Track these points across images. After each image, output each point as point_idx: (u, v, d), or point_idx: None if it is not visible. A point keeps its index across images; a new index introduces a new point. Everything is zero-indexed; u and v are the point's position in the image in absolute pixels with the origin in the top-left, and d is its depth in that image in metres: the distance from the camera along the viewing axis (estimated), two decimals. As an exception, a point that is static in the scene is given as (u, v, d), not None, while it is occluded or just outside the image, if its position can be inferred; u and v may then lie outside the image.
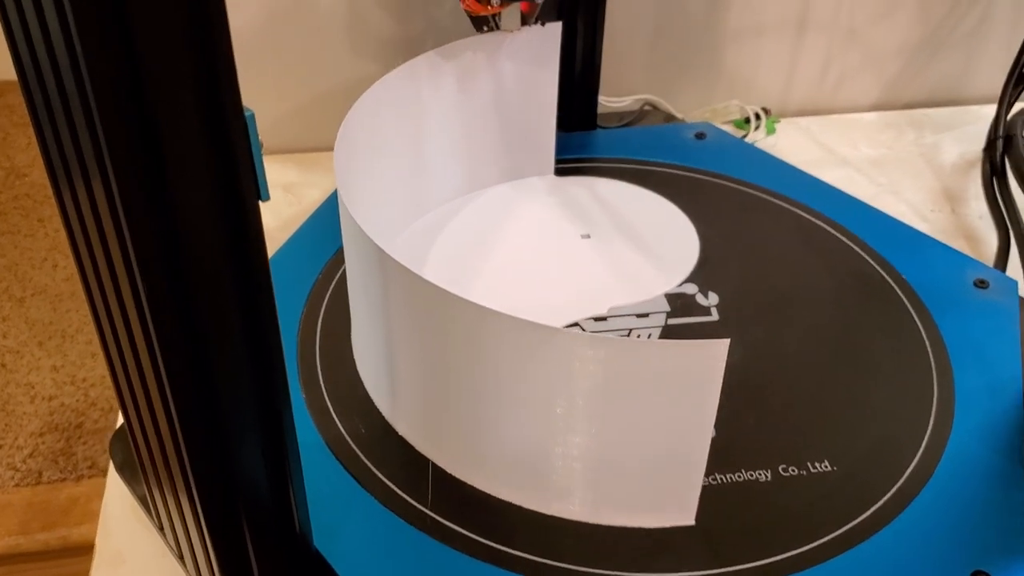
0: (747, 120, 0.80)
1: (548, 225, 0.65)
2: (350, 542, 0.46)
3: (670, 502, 0.46)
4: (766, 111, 0.82)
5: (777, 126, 0.82)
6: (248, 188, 0.32)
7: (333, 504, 0.47)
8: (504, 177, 0.68)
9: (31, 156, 1.55)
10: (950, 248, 0.65)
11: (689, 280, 0.61)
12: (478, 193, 0.67)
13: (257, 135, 0.31)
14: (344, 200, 0.48)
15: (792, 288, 0.61)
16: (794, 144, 0.81)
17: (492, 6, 0.57)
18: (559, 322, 0.58)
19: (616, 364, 0.41)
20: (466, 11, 0.59)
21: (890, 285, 0.61)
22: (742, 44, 0.81)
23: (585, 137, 0.74)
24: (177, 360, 0.33)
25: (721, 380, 0.41)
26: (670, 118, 0.80)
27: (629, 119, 0.79)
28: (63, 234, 0.35)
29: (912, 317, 0.59)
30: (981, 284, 0.61)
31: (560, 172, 0.70)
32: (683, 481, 0.45)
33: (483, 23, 0.59)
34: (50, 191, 0.33)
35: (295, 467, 0.40)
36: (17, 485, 1.09)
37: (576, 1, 0.69)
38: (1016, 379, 0.55)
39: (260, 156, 0.31)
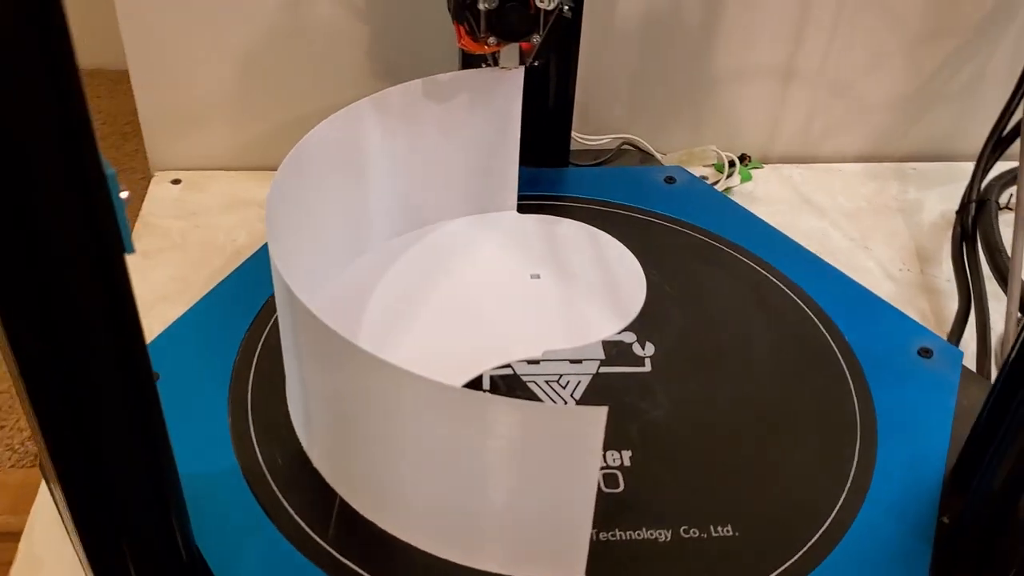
0: (732, 164, 0.80)
1: (500, 263, 0.66)
2: (246, 571, 0.47)
3: (558, 558, 0.47)
4: (745, 157, 0.81)
5: (758, 172, 0.82)
6: (115, 241, 0.33)
7: (237, 531, 0.49)
8: (466, 211, 0.69)
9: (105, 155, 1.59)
10: (901, 313, 0.64)
11: (630, 328, 0.62)
12: (437, 226, 0.68)
13: (119, 191, 0.32)
14: (270, 234, 0.49)
15: (732, 344, 0.61)
16: (771, 191, 0.81)
17: (489, 45, 0.58)
18: (492, 363, 0.58)
19: (500, 424, 0.42)
20: (461, 48, 0.60)
21: (832, 348, 0.61)
22: (727, 89, 0.81)
23: (555, 174, 0.75)
24: (49, 397, 0.35)
25: (600, 446, 0.41)
26: (647, 159, 0.80)
27: (605, 157, 0.79)
28: None
29: (848, 382, 0.59)
30: (925, 353, 0.61)
31: (523, 208, 0.71)
32: (570, 539, 0.45)
33: (481, 62, 0.60)
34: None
35: (176, 498, 0.41)
36: (13, 466, 1.12)
37: (550, 40, 0.70)
38: (941, 454, 0.54)
39: (123, 211, 0.33)
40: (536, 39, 0.60)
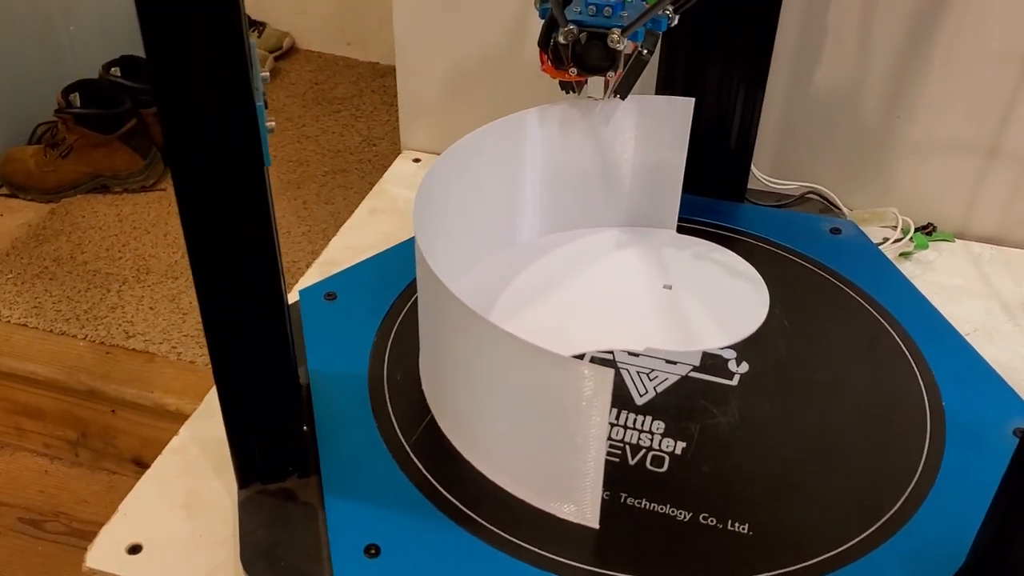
0: (905, 230, 0.82)
1: (639, 270, 0.74)
2: (341, 451, 0.59)
3: (577, 501, 0.54)
4: (930, 226, 0.83)
5: (947, 245, 0.83)
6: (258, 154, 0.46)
7: (345, 420, 0.61)
8: (626, 222, 0.78)
9: (385, 130, 1.85)
10: (1012, 392, 0.64)
11: (735, 347, 0.67)
12: (594, 231, 0.77)
13: (266, 121, 0.46)
14: (417, 216, 0.59)
15: (824, 382, 0.65)
16: (951, 264, 0.82)
17: (571, 74, 0.65)
18: (596, 347, 0.67)
19: (525, 364, 0.51)
20: (545, 73, 0.66)
21: (924, 408, 0.63)
22: (920, 156, 0.83)
23: (725, 206, 0.81)
24: (205, 273, 0.49)
25: (608, 403, 0.49)
26: (828, 210, 0.84)
27: (786, 202, 0.84)
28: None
29: (924, 443, 0.61)
30: (1020, 433, 0.61)
31: (685, 230, 0.78)
32: (584, 485, 0.53)
33: (568, 87, 0.68)
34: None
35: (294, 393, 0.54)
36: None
37: (737, 82, 0.77)
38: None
39: (266, 135, 0.46)
40: (610, 75, 0.65)
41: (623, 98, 0.66)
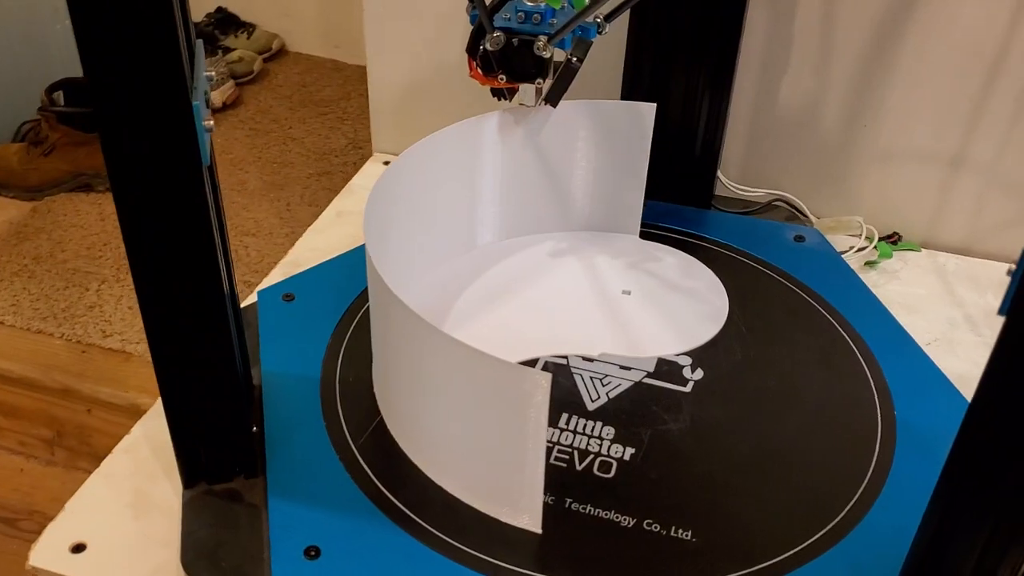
0: (869, 239, 0.81)
1: (600, 274, 0.74)
2: (291, 448, 0.59)
3: (518, 506, 0.54)
4: (895, 235, 0.83)
5: (912, 254, 0.83)
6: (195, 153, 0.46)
7: (296, 420, 0.61)
8: (588, 227, 0.78)
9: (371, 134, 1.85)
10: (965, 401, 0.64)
11: (691, 353, 0.67)
12: (555, 235, 0.77)
13: (203, 119, 0.46)
14: (367, 220, 0.59)
15: (777, 389, 0.65)
16: (915, 275, 0.82)
17: (500, 81, 0.64)
18: (550, 351, 0.67)
19: (466, 367, 0.51)
20: (475, 79, 0.65)
21: (876, 417, 0.63)
22: (885, 166, 0.83)
23: (690, 212, 0.81)
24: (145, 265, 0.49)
25: (547, 406, 0.49)
26: (794, 217, 0.84)
27: (753, 209, 0.84)
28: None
29: (874, 452, 0.60)
30: (971, 444, 0.61)
31: (649, 236, 0.78)
32: (525, 490, 0.53)
33: (499, 94, 0.66)
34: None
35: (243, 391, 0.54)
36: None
37: (702, 89, 0.77)
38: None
39: (204, 133, 0.46)
40: (539, 83, 0.64)
41: (554, 106, 0.66)
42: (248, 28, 2.08)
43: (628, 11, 0.67)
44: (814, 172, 0.86)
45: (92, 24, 0.41)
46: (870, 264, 0.82)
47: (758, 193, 0.85)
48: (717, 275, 0.74)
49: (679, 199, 0.82)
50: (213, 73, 0.54)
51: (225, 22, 2.08)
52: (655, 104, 0.71)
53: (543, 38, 0.61)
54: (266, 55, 2.08)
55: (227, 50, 2.02)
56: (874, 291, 0.75)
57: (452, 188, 0.70)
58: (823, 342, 0.69)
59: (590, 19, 0.62)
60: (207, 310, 0.52)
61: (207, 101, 0.49)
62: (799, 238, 0.79)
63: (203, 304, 0.51)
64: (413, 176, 0.65)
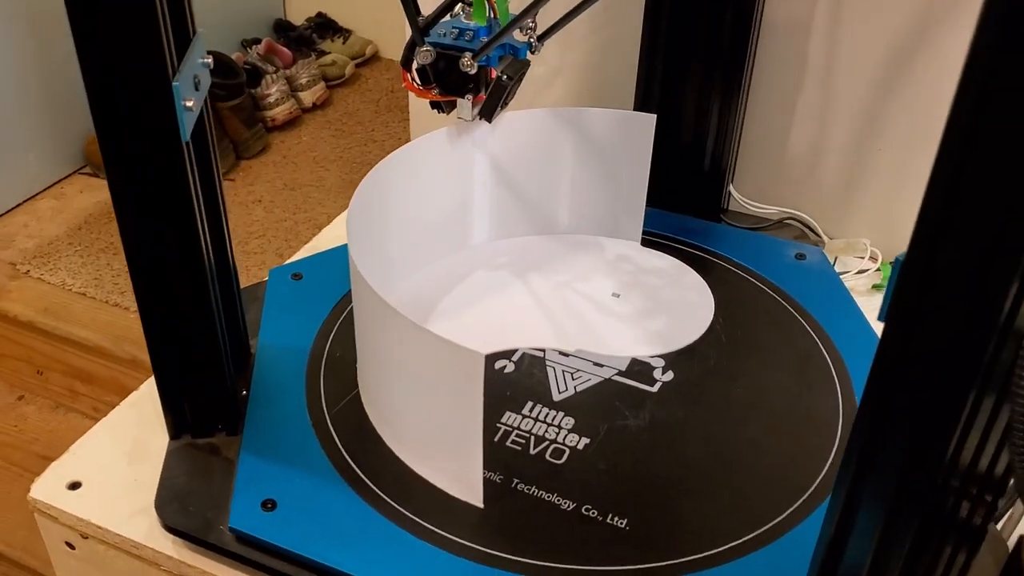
0: (875, 260, 0.82)
1: (594, 276, 0.76)
2: (270, 413, 0.64)
3: (462, 480, 0.58)
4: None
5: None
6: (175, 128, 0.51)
7: (279, 387, 0.66)
8: (590, 231, 0.80)
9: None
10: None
11: (664, 356, 0.69)
12: (555, 237, 0.80)
13: (183, 100, 0.51)
14: (351, 216, 0.63)
15: (745, 398, 0.66)
16: (922, 299, 0.81)
17: (433, 95, 0.65)
18: (528, 344, 0.70)
19: (412, 342, 0.55)
20: (409, 91, 0.67)
21: (836, 434, 0.64)
22: (901, 189, 0.83)
23: (698, 225, 0.83)
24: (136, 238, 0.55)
25: (480, 384, 0.52)
26: (803, 236, 0.85)
27: (763, 225, 0.85)
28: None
29: (822, 468, 0.61)
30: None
31: (648, 243, 0.80)
32: (468, 466, 0.56)
33: (437, 106, 0.68)
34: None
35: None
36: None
37: (712, 102, 0.79)
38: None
39: (183, 112, 0.51)
40: (469, 97, 0.66)
41: (488, 120, 0.67)
42: (344, 33, 2.17)
43: (641, 26, 0.70)
44: (828, 193, 0.87)
45: (85, 19, 0.47)
46: (877, 287, 0.82)
47: (770, 210, 0.87)
48: (710, 285, 0.76)
49: (688, 210, 0.84)
50: (210, 60, 0.58)
51: (323, 27, 2.18)
52: (655, 115, 0.74)
53: (468, 55, 0.63)
54: (359, 60, 2.17)
55: (322, 53, 2.12)
56: (874, 312, 0.75)
57: (448, 187, 0.74)
58: (799, 355, 0.70)
59: (524, 39, 0.65)
60: (188, 277, 0.57)
61: (197, 85, 0.54)
62: (800, 256, 0.80)
63: (184, 271, 0.57)
64: (408, 174, 0.69)
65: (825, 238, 0.85)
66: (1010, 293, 0.36)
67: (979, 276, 0.36)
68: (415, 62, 0.64)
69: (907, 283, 0.38)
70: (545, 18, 0.65)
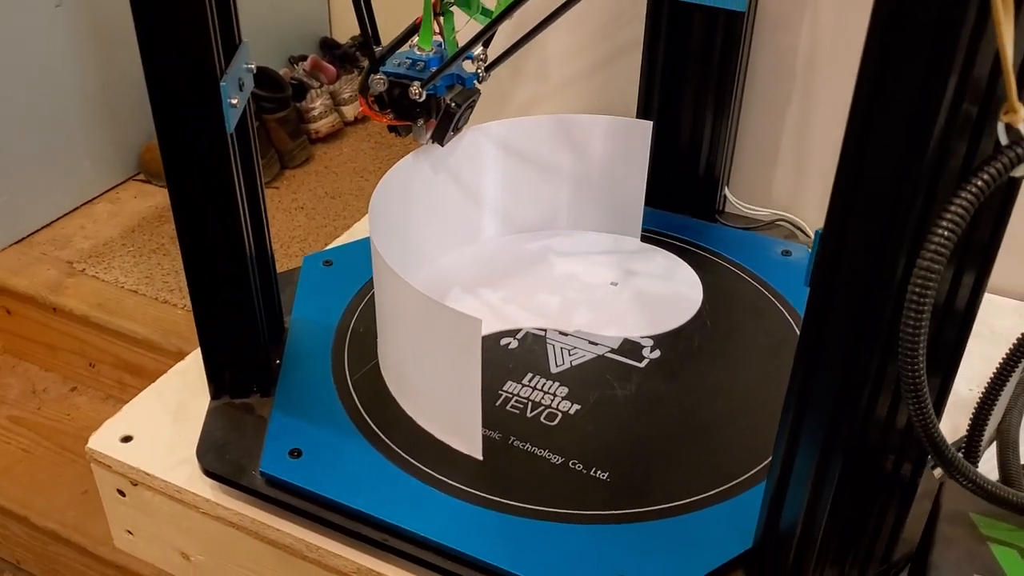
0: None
1: (592, 268, 0.84)
2: (297, 373, 0.73)
3: (463, 435, 0.66)
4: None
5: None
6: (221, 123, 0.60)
7: (308, 355, 0.74)
8: (600, 229, 0.88)
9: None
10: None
11: (653, 337, 0.77)
12: (563, 232, 0.88)
13: (229, 97, 0.60)
14: (374, 206, 0.71)
15: (722, 377, 0.73)
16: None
17: (388, 119, 0.70)
18: (530, 324, 0.78)
19: (421, 310, 0.63)
20: (367, 115, 0.71)
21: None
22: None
23: (694, 224, 0.90)
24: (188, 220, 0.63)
25: (479, 348, 0.60)
26: (792, 235, 0.92)
27: (754, 226, 0.93)
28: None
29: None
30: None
31: (647, 239, 0.88)
32: (467, 421, 0.64)
33: (394, 130, 0.73)
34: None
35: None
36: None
37: (706, 110, 0.87)
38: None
39: (229, 108, 0.60)
40: (421, 122, 0.71)
41: (441, 144, 0.74)
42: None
43: (646, 44, 0.78)
44: (821, 196, 0.93)
45: (151, 31, 0.56)
46: (860, 283, 0.89)
47: (762, 212, 0.94)
48: (701, 277, 0.83)
49: (685, 210, 0.91)
50: (254, 66, 0.67)
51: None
52: (652, 122, 0.82)
53: (416, 84, 0.68)
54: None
55: (363, 70, 2.22)
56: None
57: (466, 183, 0.82)
58: (777, 340, 0.77)
59: (473, 68, 0.71)
60: (230, 256, 0.66)
61: (241, 86, 0.63)
62: (786, 252, 0.87)
63: (227, 251, 0.65)
64: (428, 170, 0.78)
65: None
66: (900, 262, 0.44)
67: (877, 242, 0.43)
68: (371, 89, 0.70)
69: (824, 251, 0.46)
70: (496, 47, 0.71)
